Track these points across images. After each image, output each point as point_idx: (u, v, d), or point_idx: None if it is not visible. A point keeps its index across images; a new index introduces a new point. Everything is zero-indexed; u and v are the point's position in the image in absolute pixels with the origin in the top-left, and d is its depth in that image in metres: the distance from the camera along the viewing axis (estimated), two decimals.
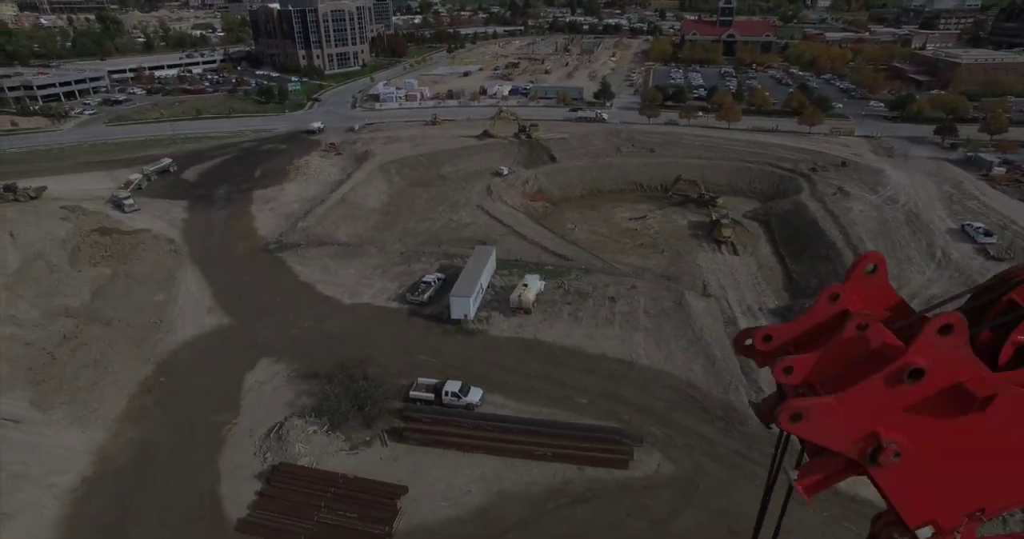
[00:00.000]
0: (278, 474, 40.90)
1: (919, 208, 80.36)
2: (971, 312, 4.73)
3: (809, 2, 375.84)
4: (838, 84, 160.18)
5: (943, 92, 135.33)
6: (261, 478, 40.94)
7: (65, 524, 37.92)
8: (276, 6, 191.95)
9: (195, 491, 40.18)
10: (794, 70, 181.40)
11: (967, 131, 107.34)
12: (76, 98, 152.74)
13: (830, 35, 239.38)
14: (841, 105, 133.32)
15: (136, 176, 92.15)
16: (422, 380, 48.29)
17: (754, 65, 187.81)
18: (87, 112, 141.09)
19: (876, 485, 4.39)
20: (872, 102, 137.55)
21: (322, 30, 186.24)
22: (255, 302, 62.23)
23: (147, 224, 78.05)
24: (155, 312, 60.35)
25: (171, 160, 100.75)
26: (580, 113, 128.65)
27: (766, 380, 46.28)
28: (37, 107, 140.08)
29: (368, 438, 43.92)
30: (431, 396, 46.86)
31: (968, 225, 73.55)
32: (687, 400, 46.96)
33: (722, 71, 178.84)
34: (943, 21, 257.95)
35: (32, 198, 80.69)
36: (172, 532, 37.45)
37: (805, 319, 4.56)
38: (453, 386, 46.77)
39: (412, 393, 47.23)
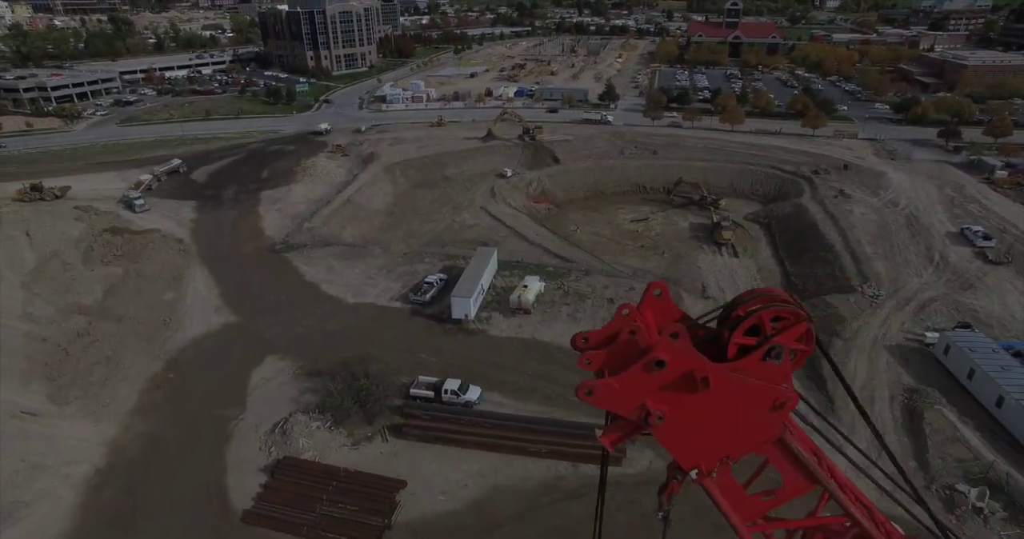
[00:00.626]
0: (282, 467, 42.36)
1: (919, 211, 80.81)
2: (724, 320, 6.33)
3: (817, 3, 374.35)
4: (844, 86, 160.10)
5: (949, 94, 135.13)
6: (266, 471, 42.42)
7: (79, 512, 39.60)
8: (285, 7, 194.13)
9: (202, 483, 41.71)
10: (800, 72, 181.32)
11: (971, 134, 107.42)
12: (88, 99, 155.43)
13: (837, 36, 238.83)
14: (846, 107, 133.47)
15: (146, 176, 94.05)
16: (422, 378, 49.64)
17: (760, 67, 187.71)
18: (99, 113, 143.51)
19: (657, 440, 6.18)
20: (877, 104, 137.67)
21: (330, 31, 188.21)
22: (262, 301, 63.76)
23: (157, 224, 79.84)
24: (164, 310, 62.03)
25: (181, 161, 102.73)
26: (574, 115, 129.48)
27: None
28: (51, 108, 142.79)
29: (369, 434, 45.32)
30: (431, 394, 48.18)
31: (967, 229, 73.90)
32: None
33: (727, 73, 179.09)
34: (952, 22, 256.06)
35: (57, 197, 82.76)
36: (180, 522, 39.00)
37: (608, 327, 6.13)
38: (453, 384, 48.09)
39: (412, 391, 48.58)
